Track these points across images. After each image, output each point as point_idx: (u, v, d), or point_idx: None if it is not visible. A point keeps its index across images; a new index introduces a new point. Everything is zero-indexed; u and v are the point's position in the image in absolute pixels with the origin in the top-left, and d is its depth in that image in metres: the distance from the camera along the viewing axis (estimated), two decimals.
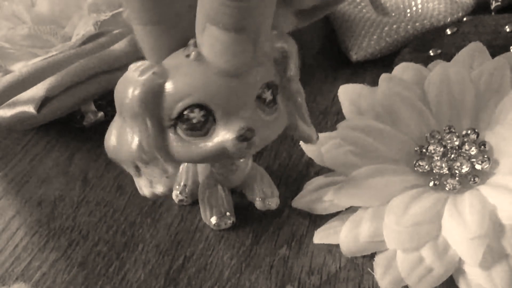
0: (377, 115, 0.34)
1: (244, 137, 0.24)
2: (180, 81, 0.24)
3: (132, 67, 0.25)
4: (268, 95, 0.26)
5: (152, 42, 0.25)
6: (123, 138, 0.26)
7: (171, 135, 0.25)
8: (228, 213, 0.32)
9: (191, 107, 0.24)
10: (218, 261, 0.31)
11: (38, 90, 0.37)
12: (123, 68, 0.39)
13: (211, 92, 0.24)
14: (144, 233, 0.33)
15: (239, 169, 0.32)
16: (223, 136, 0.25)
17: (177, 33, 0.25)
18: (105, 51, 0.40)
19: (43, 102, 0.37)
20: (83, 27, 0.41)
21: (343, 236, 0.30)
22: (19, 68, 0.39)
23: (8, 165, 0.40)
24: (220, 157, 0.25)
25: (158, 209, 0.35)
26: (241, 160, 0.31)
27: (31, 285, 0.30)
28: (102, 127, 0.42)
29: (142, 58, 0.40)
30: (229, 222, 0.32)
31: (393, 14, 0.48)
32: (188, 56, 0.25)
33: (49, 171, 0.39)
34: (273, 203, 0.32)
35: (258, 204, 0.32)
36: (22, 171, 0.39)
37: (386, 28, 0.45)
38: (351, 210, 0.31)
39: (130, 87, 0.25)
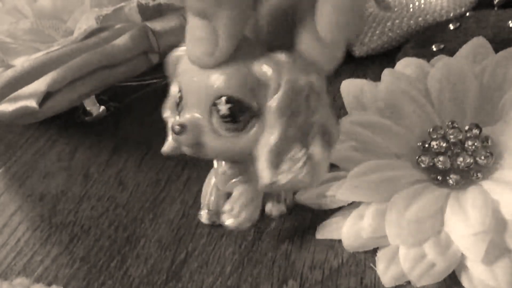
0: (380, 110, 0.34)
1: (176, 131, 0.26)
2: (183, 61, 0.27)
3: None
4: (223, 109, 0.25)
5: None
6: None
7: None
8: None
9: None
10: (220, 256, 0.31)
11: (40, 84, 0.37)
12: (124, 62, 0.40)
13: (184, 78, 0.26)
14: (146, 228, 0.33)
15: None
16: (172, 122, 0.27)
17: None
18: (107, 45, 0.40)
19: (45, 97, 0.37)
20: (85, 22, 0.40)
21: (346, 231, 0.30)
22: (21, 62, 0.39)
23: (10, 160, 0.40)
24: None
25: (160, 204, 0.35)
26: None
27: (33, 279, 0.30)
28: (104, 122, 0.42)
29: (145, 52, 0.40)
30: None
31: (395, 9, 0.48)
32: None
33: (51, 166, 0.39)
34: (232, 223, 0.29)
35: (222, 216, 0.30)
36: (24, 165, 0.39)
37: (388, 23, 0.45)
38: (354, 205, 0.30)
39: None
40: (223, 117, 0.25)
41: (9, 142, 0.42)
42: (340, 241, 0.30)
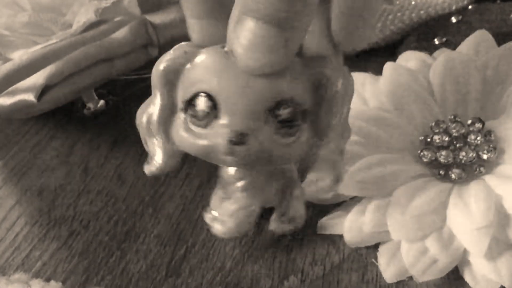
0: (381, 104, 0.33)
1: (234, 142, 0.23)
2: (201, 66, 0.24)
3: (177, 45, 0.25)
4: (286, 112, 0.24)
5: (204, 36, 0.25)
6: (144, 109, 0.26)
7: (178, 118, 0.25)
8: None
9: (200, 93, 0.24)
10: (220, 252, 0.31)
11: (38, 78, 0.37)
12: (124, 56, 0.40)
13: (225, 84, 0.23)
14: (145, 223, 0.33)
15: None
16: (216, 133, 0.24)
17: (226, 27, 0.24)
18: (106, 38, 0.39)
19: (43, 90, 0.37)
20: (83, 15, 0.40)
21: (347, 226, 0.30)
22: (19, 55, 0.38)
23: (8, 154, 0.40)
24: (208, 155, 0.24)
25: (160, 199, 0.34)
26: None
27: (31, 275, 0.30)
28: (103, 116, 0.42)
29: (144, 45, 0.40)
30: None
31: (397, 2, 0.47)
32: (223, 47, 0.24)
33: (50, 160, 0.39)
34: (283, 228, 0.30)
35: (271, 224, 0.30)
36: (23, 160, 0.39)
37: (390, 16, 0.44)
38: (355, 200, 0.30)
39: (160, 60, 0.25)
40: (282, 122, 0.24)
41: (7, 136, 0.42)
42: (341, 236, 0.30)
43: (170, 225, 0.33)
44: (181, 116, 0.25)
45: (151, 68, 0.25)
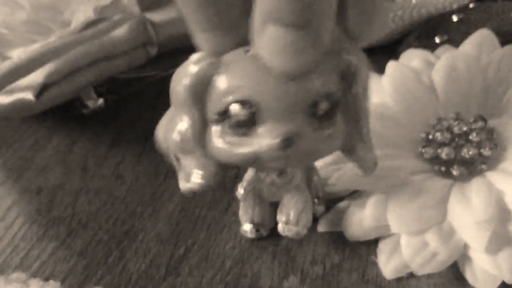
0: (383, 102, 0.33)
1: (283, 145, 0.23)
2: (232, 75, 0.24)
3: (192, 56, 0.25)
4: (324, 107, 0.24)
5: (211, 47, 0.24)
6: (171, 127, 0.25)
7: (213, 131, 0.25)
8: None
9: (238, 102, 0.23)
10: (219, 251, 0.30)
11: (36, 76, 0.37)
12: (123, 54, 0.39)
13: (262, 89, 0.23)
14: (144, 222, 0.33)
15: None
16: (261, 140, 0.23)
17: (236, 37, 0.24)
18: (105, 37, 0.39)
19: (42, 89, 0.37)
20: (82, 13, 0.40)
21: (347, 220, 0.30)
22: (17, 54, 0.38)
23: (6, 153, 0.40)
24: (253, 162, 0.24)
25: (159, 198, 0.34)
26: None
27: (30, 274, 0.30)
28: (102, 114, 0.42)
29: (143, 44, 0.40)
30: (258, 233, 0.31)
31: (398, 1, 0.47)
32: (247, 51, 0.24)
33: (48, 159, 0.39)
34: (292, 232, 0.29)
35: (279, 227, 0.29)
36: (21, 159, 0.39)
37: (391, 15, 0.44)
38: (356, 195, 0.30)
39: (183, 75, 0.24)
40: (322, 116, 0.24)
41: (5, 135, 0.41)
42: (341, 235, 0.30)
43: (170, 224, 0.32)
44: (214, 128, 0.25)
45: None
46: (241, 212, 0.31)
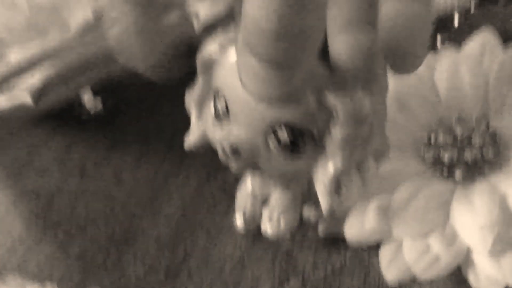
0: None
1: (230, 151, 0.23)
2: (222, 67, 0.24)
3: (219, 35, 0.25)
4: (284, 137, 0.23)
5: None
6: None
7: (210, 105, 0.25)
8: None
9: (216, 92, 0.24)
10: (219, 255, 0.30)
11: (35, 80, 0.36)
12: None
13: (234, 94, 0.23)
14: (143, 225, 0.33)
15: None
16: (219, 135, 0.24)
17: None
18: (105, 40, 0.39)
19: (41, 93, 0.36)
20: (81, 14, 0.40)
21: (349, 224, 0.29)
22: (15, 55, 0.38)
23: (4, 156, 0.39)
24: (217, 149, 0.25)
25: (159, 202, 0.34)
26: None
27: (27, 277, 0.30)
28: (101, 118, 0.42)
29: None
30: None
31: None
32: None
33: (47, 162, 0.38)
34: (273, 232, 0.29)
35: (262, 225, 0.30)
36: (19, 161, 0.39)
37: None
38: None
39: (202, 47, 0.25)
40: (283, 145, 0.23)
41: (3, 138, 0.41)
42: (343, 239, 0.29)
43: (169, 228, 0.32)
44: (211, 104, 0.25)
45: None
46: (236, 203, 0.31)
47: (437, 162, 0.31)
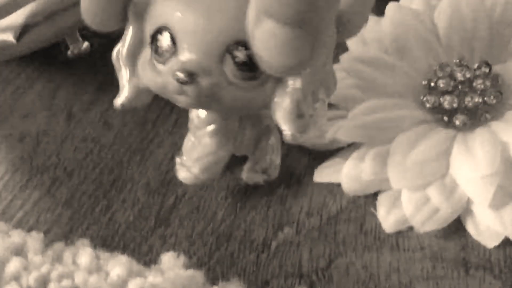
0: (383, 47, 0.32)
1: (182, 79, 0.22)
2: (166, 3, 0.23)
3: None
4: (240, 56, 0.23)
5: None
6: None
7: (146, 54, 0.25)
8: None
9: (163, 29, 0.23)
10: (211, 201, 0.30)
11: (17, 17, 0.35)
12: None
13: (183, 21, 0.23)
14: (132, 171, 0.32)
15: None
16: (168, 71, 0.23)
17: None
18: None
19: (23, 31, 0.36)
20: None
21: (345, 173, 0.29)
22: None
23: None
24: (164, 93, 0.24)
25: (148, 146, 0.33)
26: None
27: (12, 225, 0.29)
28: (88, 58, 0.40)
29: None
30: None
31: None
32: None
33: (32, 105, 0.37)
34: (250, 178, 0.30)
35: (243, 174, 0.30)
36: (3, 105, 0.38)
37: None
38: (354, 146, 0.29)
39: None
40: (239, 64, 0.23)
41: None
42: (339, 185, 0.29)
43: (159, 173, 0.32)
44: (147, 51, 0.24)
45: None
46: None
47: (437, 108, 0.30)
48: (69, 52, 0.40)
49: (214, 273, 0.27)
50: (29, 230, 0.28)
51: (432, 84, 0.30)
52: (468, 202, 0.27)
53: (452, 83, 0.30)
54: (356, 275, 0.26)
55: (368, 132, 0.29)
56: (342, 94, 0.30)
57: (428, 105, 0.30)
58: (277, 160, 0.30)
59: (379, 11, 0.33)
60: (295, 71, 0.22)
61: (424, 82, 0.31)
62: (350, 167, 0.29)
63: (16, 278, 0.24)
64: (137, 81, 0.25)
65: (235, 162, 0.31)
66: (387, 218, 0.27)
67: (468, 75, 0.30)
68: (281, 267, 0.27)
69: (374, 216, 0.28)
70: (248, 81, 0.23)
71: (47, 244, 0.27)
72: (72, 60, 0.40)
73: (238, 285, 0.25)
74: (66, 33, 0.39)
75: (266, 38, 0.20)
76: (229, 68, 0.23)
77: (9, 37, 0.35)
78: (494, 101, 0.29)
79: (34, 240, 0.26)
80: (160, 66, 0.24)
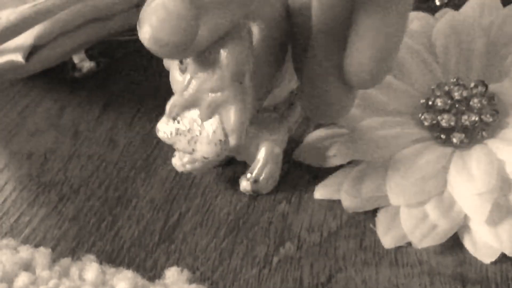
0: None
1: None
2: None
3: None
4: None
5: None
6: None
7: None
8: None
9: None
10: (214, 218, 0.30)
11: (26, 38, 0.36)
12: (115, 16, 0.38)
13: None
14: (137, 188, 0.32)
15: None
16: None
17: None
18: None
19: (32, 51, 0.36)
20: None
21: (345, 190, 0.29)
22: (6, 15, 0.37)
23: None
24: None
25: (153, 163, 0.34)
26: None
27: (20, 241, 0.29)
28: (94, 78, 0.41)
29: (136, 6, 0.39)
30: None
31: None
32: None
33: (39, 123, 0.38)
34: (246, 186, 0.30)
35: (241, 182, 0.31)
36: (11, 123, 0.38)
37: None
38: (354, 164, 0.30)
39: None
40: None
41: None
42: (339, 202, 0.29)
43: (163, 190, 0.32)
44: None
45: None
46: None
47: (434, 127, 0.30)
48: (76, 72, 0.41)
49: (217, 287, 0.27)
50: (37, 245, 0.29)
51: (430, 102, 0.31)
52: (466, 218, 0.27)
53: (449, 101, 0.30)
54: None
55: (367, 150, 0.29)
56: None
57: (426, 123, 0.30)
58: (273, 174, 0.30)
59: None
60: (174, 54, 0.22)
61: (422, 101, 0.31)
62: (350, 185, 0.29)
63: None
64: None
65: (238, 179, 0.31)
66: (386, 234, 0.28)
67: (465, 94, 0.30)
68: (283, 282, 0.27)
69: (374, 232, 0.28)
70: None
71: (54, 259, 0.27)
72: (78, 80, 0.41)
73: None
74: (73, 53, 0.39)
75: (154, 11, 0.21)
76: None
77: (18, 57, 0.35)
78: (491, 120, 0.29)
79: (41, 255, 0.27)
80: None
